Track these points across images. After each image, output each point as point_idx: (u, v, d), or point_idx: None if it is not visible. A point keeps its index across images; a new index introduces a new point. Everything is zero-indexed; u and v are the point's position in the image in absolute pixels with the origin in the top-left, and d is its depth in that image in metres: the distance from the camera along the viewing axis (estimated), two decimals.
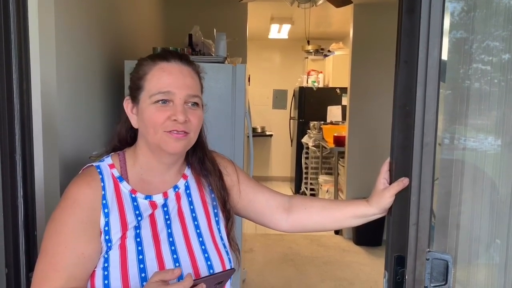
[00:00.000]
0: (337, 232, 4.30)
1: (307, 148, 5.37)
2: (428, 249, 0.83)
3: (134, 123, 0.94)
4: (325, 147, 4.80)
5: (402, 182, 0.88)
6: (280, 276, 3.32)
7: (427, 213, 0.83)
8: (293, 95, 6.00)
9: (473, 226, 0.90)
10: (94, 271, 0.85)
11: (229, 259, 0.96)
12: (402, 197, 0.88)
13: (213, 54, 2.45)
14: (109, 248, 0.85)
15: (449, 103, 0.90)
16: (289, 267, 3.49)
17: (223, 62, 2.28)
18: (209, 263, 0.91)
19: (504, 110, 0.88)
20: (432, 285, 0.83)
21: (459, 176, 0.89)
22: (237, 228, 1.07)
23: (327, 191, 4.69)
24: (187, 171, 1.01)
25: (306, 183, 5.44)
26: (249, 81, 2.80)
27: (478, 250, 0.91)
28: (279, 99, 6.64)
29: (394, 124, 0.88)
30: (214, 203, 1.00)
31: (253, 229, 4.08)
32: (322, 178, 4.95)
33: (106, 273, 0.84)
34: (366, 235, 3.94)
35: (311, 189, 5.35)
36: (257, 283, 3.18)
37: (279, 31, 5.52)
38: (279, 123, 6.49)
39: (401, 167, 0.88)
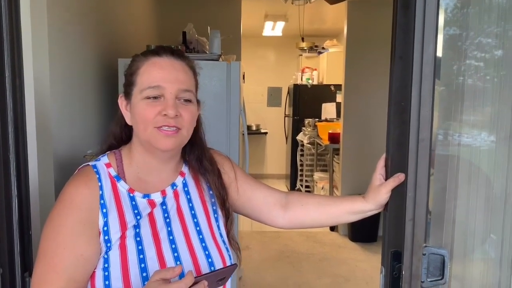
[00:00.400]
0: (332, 228, 4.32)
1: (302, 145, 5.38)
2: (425, 244, 0.84)
3: (128, 120, 0.93)
4: (320, 144, 4.81)
5: (398, 178, 0.88)
6: (276, 273, 3.33)
7: (423, 209, 0.84)
8: (288, 92, 6.00)
9: (469, 221, 0.91)
10: (94, 272, 0.84)
11: (229, 255, 0.95)
12: (398, 193, 0.88)
13: (207, 52, 2.44)
14: (108, 249, 0.84)
15: (443, 99, 0.90)
16: (285, 264, 3.50)
17: (217, 60, 2.27)
18: (210, 260, 0.90)
19: (498, 106, 0.89)
20: (428, 280, 0.83)
21: (454, 171, 0.89)
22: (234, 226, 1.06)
23: (322, 188, 4.70)
24: (184, 169, 1.00)
25: (301, 180, 5.45)
26: (243, 78, 2.80)
27: (473, 245, 0.91)
28: (273, 96, 6.64)
29: (390, 120, 0.88)
30: (213, 200, 0.99)
31: (249, 227, 4.08)
32: (317, 175, 4.96)
33: (106, 273, 0.83)
34: (362, 231, 3.96)
35: (306, 186, 5.36)
36: (254, 280, 3.19)
37: (273, 29, 5.52)
38: (274, 121, 6.49)
39: (397, 163, 0.89)
